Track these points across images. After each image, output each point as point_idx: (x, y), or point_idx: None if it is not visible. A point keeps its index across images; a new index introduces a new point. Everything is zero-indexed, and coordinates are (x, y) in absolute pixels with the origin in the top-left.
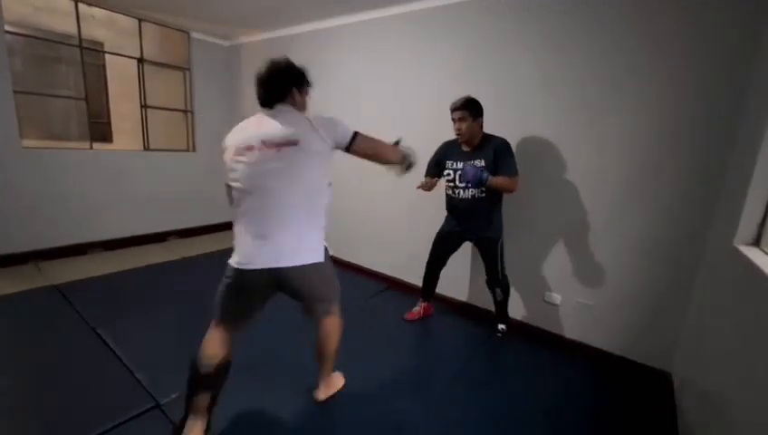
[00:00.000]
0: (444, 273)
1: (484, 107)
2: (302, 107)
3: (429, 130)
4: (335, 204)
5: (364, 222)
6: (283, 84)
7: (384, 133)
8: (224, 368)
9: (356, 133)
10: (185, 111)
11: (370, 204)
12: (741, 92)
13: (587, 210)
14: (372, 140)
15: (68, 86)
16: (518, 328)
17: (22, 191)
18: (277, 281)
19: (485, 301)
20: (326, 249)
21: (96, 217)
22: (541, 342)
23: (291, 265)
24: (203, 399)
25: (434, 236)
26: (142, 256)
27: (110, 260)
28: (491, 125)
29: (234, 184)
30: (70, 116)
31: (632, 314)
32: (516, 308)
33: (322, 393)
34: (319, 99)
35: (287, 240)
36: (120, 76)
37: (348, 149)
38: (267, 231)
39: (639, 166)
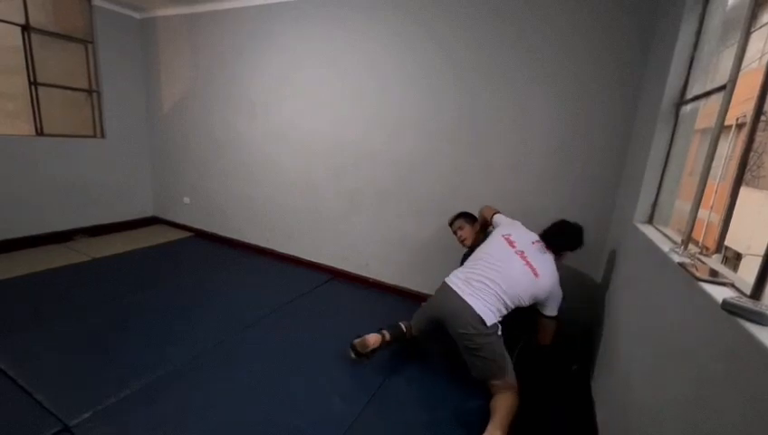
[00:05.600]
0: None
1: (429, 95)
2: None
3: (361, 115)
4: (276, 197)
5: (305, 214)
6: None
7: (315, 124)
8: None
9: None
10: (89, 91)
11: (311, 196)
12: (636, 88)
13: (512, 194)
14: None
15: None
16: None
17: None
18: None
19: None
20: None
21: None
22: None
23: None
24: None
25: (377, 225)
26: (41, 259)
27: (1, 265)
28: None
29: None
30: None
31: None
32: None
33: None
34: (245, 85)
35: None
36: None
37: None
38: None
39: (555, 158)
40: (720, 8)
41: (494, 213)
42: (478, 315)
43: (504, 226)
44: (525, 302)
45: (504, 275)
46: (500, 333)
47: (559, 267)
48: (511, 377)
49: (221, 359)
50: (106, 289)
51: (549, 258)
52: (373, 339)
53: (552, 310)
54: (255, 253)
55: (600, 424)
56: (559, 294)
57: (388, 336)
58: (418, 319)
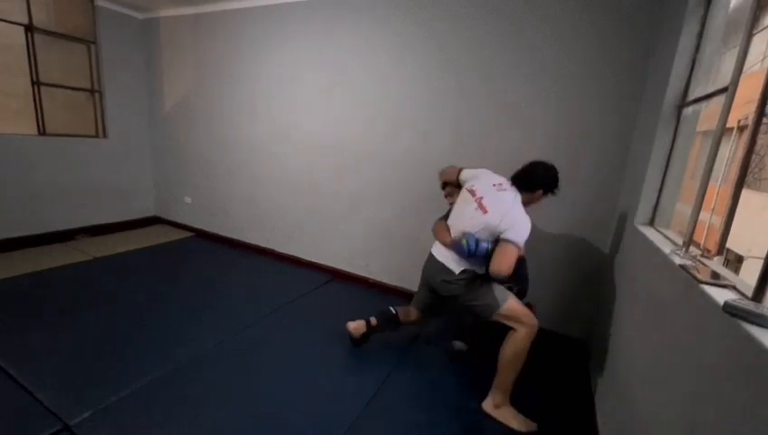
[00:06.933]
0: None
1: (429, 94)
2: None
3: (362, 115)
4: (277, 198)
5: (305, 214)
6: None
7: (316, 124)
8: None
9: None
10: (91, 91)
11: (312, 196)
12: (637, 89)
13: None
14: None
15: None
16: None
17: None
18: None
19: None
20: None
21: None
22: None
23: None
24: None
25: (378, 226)
26: (43, 259)
27: (1, 264)
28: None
29: None
30: None
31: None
32: None
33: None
34: (247, 85)
35: None
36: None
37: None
38: None
39: (555, 159)
40: (722, 10)
41: (460, 170)
42: (442, 264)
43: (470, 180)
44: (483, 236)
45: (460, 222)
46: (480, 273)
47: (533, 204)
48: (510, 305)
49: (221, 359)
50: (107, 289)
51: (506, 195)
52: (353, 325)
53: (509, 234)
54: (256, 253)
55: (600, 424)
56: (519, 221)
57: (374, 321)
58: (417, 292)
